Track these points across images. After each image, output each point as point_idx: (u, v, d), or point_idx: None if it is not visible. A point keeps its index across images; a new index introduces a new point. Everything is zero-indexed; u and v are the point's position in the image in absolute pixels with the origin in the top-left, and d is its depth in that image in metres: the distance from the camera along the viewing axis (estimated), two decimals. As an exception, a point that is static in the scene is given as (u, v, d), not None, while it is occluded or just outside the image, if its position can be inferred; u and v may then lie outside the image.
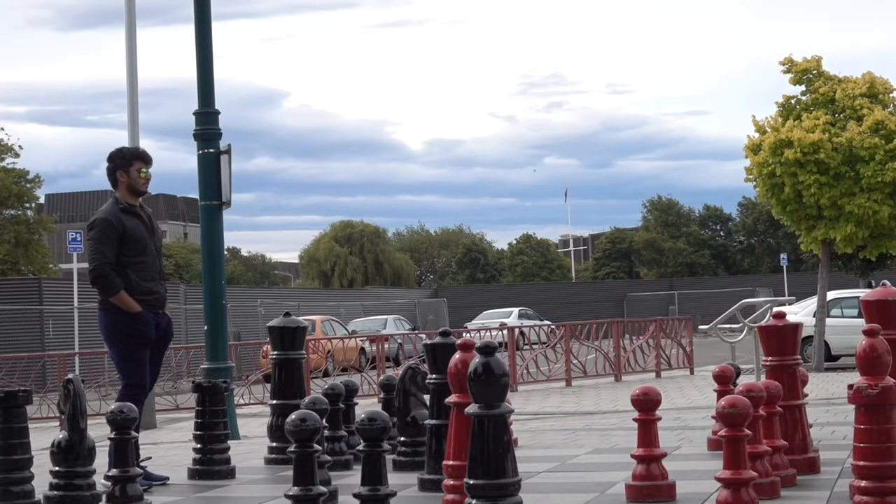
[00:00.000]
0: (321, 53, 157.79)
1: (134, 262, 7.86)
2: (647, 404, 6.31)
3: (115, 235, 7.81)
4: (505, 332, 24.26)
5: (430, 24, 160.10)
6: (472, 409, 4.82)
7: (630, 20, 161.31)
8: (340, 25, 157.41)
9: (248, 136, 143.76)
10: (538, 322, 39.81)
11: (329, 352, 26.50)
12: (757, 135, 22.61)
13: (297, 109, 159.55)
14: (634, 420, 6.41)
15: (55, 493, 5.98)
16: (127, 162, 8.03)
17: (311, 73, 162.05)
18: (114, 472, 6.36)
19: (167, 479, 7.97)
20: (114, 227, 7.81)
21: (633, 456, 6.42)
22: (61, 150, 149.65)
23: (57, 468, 6.01)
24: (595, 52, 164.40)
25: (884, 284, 6.57)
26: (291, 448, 5.20)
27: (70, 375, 6.16)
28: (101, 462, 6.74)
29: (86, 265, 8.47)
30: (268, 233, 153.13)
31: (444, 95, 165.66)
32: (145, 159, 8.11)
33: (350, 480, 7.07)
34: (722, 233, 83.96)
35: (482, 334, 24.81)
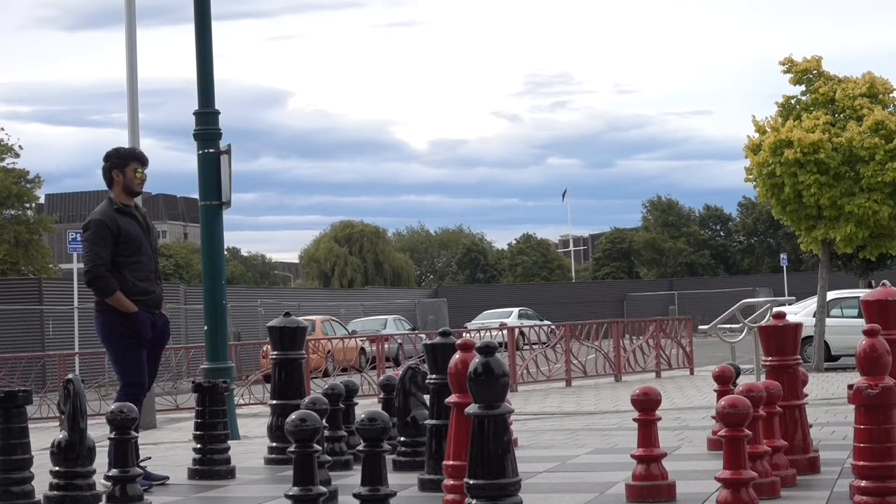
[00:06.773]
0: (326, 53, 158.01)
1: (129, 263, 7.86)
2: (647, 404, 6.31)
3: (109, 236, 7.80)
4: (505, 332, 24.25)
5: (436, 24, 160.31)
6: (472, 409, 4.82)
7: (637, 21, 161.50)
8: (347, 25, 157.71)
9: (253, 136, 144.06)
10: (538, 322, 39.78)
11: (329, 352, 26.48)
12: (757, 135, 22.58)
13: (302, 109, 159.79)
14: (634, 420, 6.41)
15: (55, 493, 5.98)
16: (123, 162, 8.03)
17: (317, 73, 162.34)
18: (114, 472, 6.36)
19: (167, 478, 7.97)
20: (108, 228, 7.81)
21: (633, 456, 6.42)
22: (65, 150, 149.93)
23: (57, 468, 6.01)
24: (603, 51, 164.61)
25: (884, 284, 6.57)
26: (291, 448, 5.20)
27: (70, 375, 6.16)
28: (101, 462, 6.74)
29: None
30: (269, 233, 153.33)
31: (449, 95, 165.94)
32: (141, 160, 8.11)
33: (350, 480, 7.07)
34: (722, 233, 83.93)
35: (482, 334, 24.80)
